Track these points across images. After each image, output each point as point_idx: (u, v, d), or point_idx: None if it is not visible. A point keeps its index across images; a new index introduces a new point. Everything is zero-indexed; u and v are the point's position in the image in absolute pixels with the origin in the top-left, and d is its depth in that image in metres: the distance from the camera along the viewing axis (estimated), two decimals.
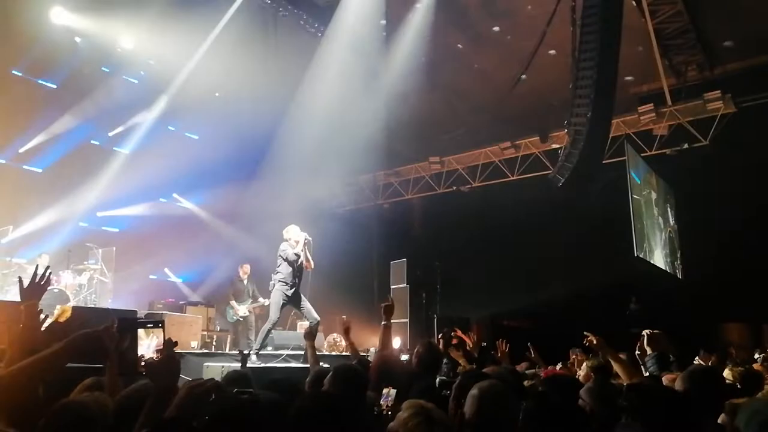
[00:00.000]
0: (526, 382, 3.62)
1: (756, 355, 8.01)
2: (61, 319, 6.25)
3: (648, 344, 4.26)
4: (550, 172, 10.96)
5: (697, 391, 2.51)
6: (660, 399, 2.29)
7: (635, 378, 3.56)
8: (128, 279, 11.00)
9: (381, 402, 2.63)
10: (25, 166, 10.85)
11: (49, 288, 7.98)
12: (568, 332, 9.87)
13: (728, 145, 10.93)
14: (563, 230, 12.46)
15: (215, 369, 6.18)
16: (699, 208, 11.76)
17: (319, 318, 7.27)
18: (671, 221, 13.33)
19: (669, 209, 13.34)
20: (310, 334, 4.56)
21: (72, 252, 9.92)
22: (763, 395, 3.31)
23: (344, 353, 9.03)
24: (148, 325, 2.09)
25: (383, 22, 11.63)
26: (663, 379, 3.33)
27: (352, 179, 15.04)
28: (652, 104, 11.76)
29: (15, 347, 2.18)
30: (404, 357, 7.20)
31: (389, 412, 2.53)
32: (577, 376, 4.15)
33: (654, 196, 12.61)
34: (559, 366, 5.57)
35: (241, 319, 9.63)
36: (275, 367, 6.75)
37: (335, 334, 11.33)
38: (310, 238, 7.17)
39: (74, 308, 7.13)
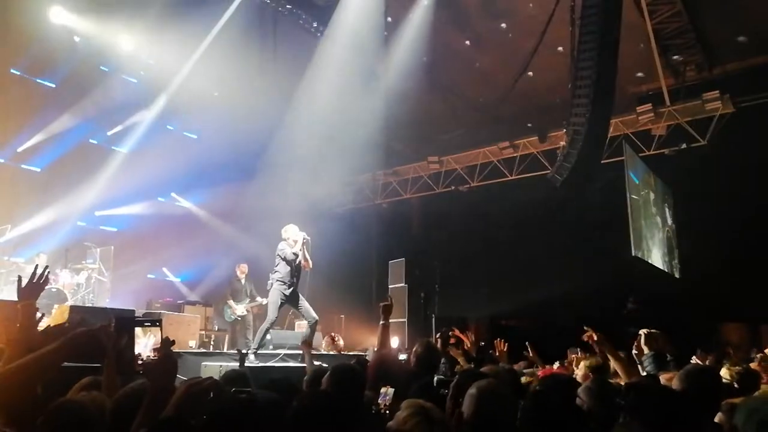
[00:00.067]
0: (523, 379, 3.63)
1: (753, 355, 8.01)
2: (59, 321, 6.23)
3: (645, 343, 4.26)
4: (548, 172, 10.96)
5: (693, 390, 2.52)
6: (658, 398, 2.29)
7: (633, 376, 3.57)
8: (126, 278, 10.99)
9: (379, 401, 2.64)
10: (23, 166, 10.84)
11: (47, 287, 7.97)
12: (565, 332, 9.91)
13: (726, 145, 10.94)
14: (561, 230, 12.48)
15: (213, 368, 6.18)
16: (697, 208, 11.78)
17: (317, 317, 7.27)
18: (669, 221, 13.35)
19: (667, 209, 13.37)
20: (307, 343, 4.58)
21: (70, 251, 9.92)
22: (761, 394, 3.31)
23: (342, 353, 9.03)
24: (146, 324, 2.10)
25: (389, 19, 11.59)
26: (660, 378, 3.33)
27: (351, 179, 15.04)
28: (650, 104, 11.77)
29: (13, 346, 2.18)
30: (402, 356, 7.21)
31: (387, 411, 2.54)
32: (574, 376, 4.15)
33: (652, 196, 12.63)
34: (556, 365, 5.58)
35: (239, 319, 9.63)
36: (273, 367, 6.74)
37: (333, 333, 11.34)
38: (309, 238, 7.17)
39: (72, 307, 7.12)
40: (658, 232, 12.56)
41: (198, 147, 12.77)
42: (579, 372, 4.19)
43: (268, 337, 7.75)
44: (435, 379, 3.43)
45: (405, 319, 12.05)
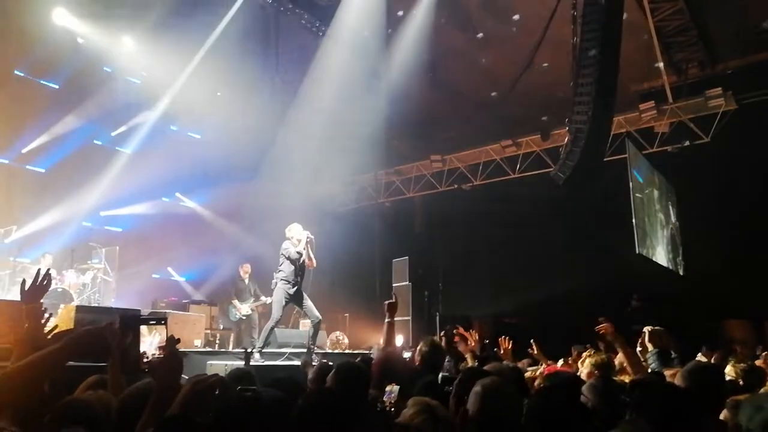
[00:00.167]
0: (527, 374, 3.63)
1: (758, 352, 8.00)
2: (65, 321, 6.26)
3: (649, 341, 4.26)
4: (551, 169, 10.94)
5: (696, 387, 2.52)
6: (664, 395, 2.29)
7: (642, 372, 3.57)
8: (131, 278, 11.02)
9: (384, 399, 2.64)
10: (28, 167, 10.87)
11: (53, 287, 7.98)
12: (569, 329, 9.91)
13: (730, 142, 10.92)
14: (564, 228, 12.47)
15: (218, 367, 6.21)
16: (700, 205, 11.75)
17: (320, 317, 7.28)
18: (673, 219, 13.32)
19: (671, 207, 13.34)
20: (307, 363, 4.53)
21: (75, 251, 9.96)
22: (767, 391, 3.31)
23: (347, 351, 9.05)
24: (151, 322, 2.10)
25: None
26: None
27: (354, 178, 15.06)
28: (653, 102, 11.75)
29: (21, 346, 2.20)
30: (407, 354, 7.22)
31: (392, 409, 2.55)
32: (579, 373, 4.16)
33: (656, 194, 12.60)
34: (560, 363, 5.57)
35: (244, 318, 9.66)
36: (278, 365, 6.77)
37: (338, 332, 11.37)
38: (312, 237, 7.18)
39: (78, 307, 7.14)
40: (662, 230, 12.53)
41: (202, 147, 12.80)
42: (584, 369, 4.19)
43: (273, 334, 7.77)
44: (440, 376, 3.45)
45: (409, 318, 12.06)
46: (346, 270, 12.67)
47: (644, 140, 12.21)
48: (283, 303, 7.06)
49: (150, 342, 2.05)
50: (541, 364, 5.25)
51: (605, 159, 10.60)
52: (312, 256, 7.14)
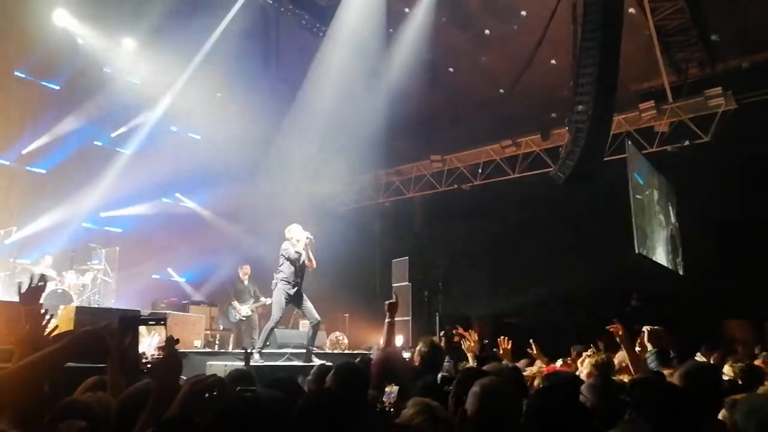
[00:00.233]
0: (526, 372, 3.63)
1: (757, 351, 8.01)
2: (65, 322, 6.27)
3: (649, 340, 4.27)
4: (551, 169, 10.95)
5: (693, 387, 2.52)
6: (664, 395, 2.29)
7: (644, 373, 3.58)
8: (131, 279, 11.03)
9: (383, 399, 2.65)
10: (28, 168, 10.89)
11: (52, 289, 7.99)
12: (569, 329, 9.92)
13: (730, 141, 10.91)
14: (564, 227, 12.47)
15: (218, 368, 6.20)
16: (700, 205, 11.74)
17: (319, 318, 7.28)
18: (672, 219, 13.33)
19: (670, 208, 13.34)
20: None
21: (75, 252, 9.96)
22: (765, 390, 3.31)
23: (347, 351, 9.04)
24: (150, 322, 2.09)
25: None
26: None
27: (354, 178, 15.05)
28: (653, 101, 11.74)
29: (22, 348, 2.20)
30: (406, 355, 7.22)
31: (392, 410, 2.55)
32: (578, 373, 4.16)
33: (656, 195, 12.61)
34: (559, 363, 5.58)
35: (244, 319, 9.66)
36: (278, 366, 6.77)
37: (338, 333, 11.37)
38: (312, 237, 7.18)
39: (78, 308, 7.15)
40: (662, 231, 12.53)
41: (202, 148, 12.81)
42: (584, 369, 4.19)
43: (273, 335, 7.77)
44: (439, 376, 3.45)
45: (409, 318, 12.07)
46: (346, 270, 12.66)
47: (644, 140, 12.21)
48: (283, 304, 7.06)
49: (149, 343, 2.04)
50: (541, 365, 5.25)
51: (605, 158, 10.61)
52: (312, 257, 7.14)
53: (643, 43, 10.69)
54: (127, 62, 11.60)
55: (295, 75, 12.36)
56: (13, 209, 10.10)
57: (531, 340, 5.71)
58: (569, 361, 5.61)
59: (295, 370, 6.48)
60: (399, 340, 10.47)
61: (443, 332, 6.30)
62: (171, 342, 1.91)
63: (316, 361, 6.54)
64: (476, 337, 4.93)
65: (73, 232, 10.64)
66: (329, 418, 1.90)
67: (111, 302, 9.97)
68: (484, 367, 3.30)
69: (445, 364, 4.26)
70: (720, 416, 2.47)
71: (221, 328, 10.53)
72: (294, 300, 7.14)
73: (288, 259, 7.06)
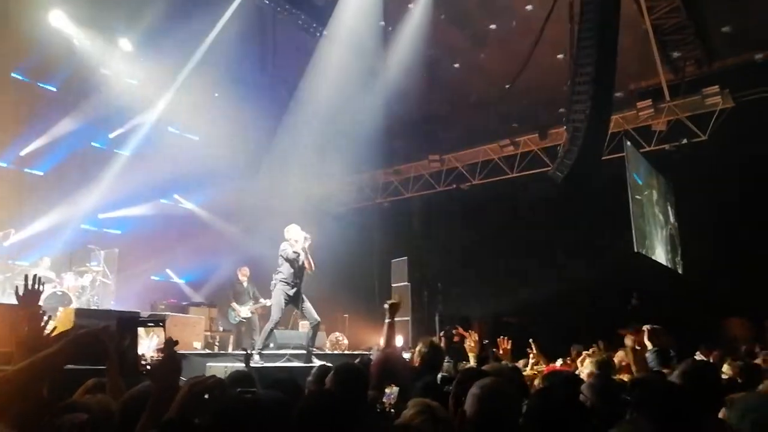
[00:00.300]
0: (526, 372, 3.63)
1: (757, 350, 8.01)
2: (65, 324, 6.25)
3: (649, 339, 4.27)
4: (549, 169, 10.96)
5: (691, 386, 2.52)
6: (666, 394, 2.29)
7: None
8: (130, 280, 11.01)
9: (384, 400, 2.65)
10: (26, 169, 10.86)
11: (51, 291, 7.97)
12: (569, 328, 9.91)
13: (727, 139, 10.92)
14: (563, 227, 12.47)
15: (218, 369, 6.20)
16: (698, 203, 11.76)
17: (319, 319, 7.29)
18: (671, 219, 13.34)
19: (669, 207, 13.35)
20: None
21: (74, 254, 9.94)
22: (765, 389, 3.31)
23: (347, 352, 9.04)
24: (149, 324, 2.09)
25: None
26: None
27: (352, 178, 15.05)
28: (650, 100, 11.76)
29: (21, 350, 2.19)
30: (406, 355, 7.22)
31: (392, 410, 2.55)
32: (577, 372, 4.16)
33: (655, 195, 12.61)
34: (559, 362, 5.59)
35: (244, 320, 9.65)
36: (278, 367, 6.77)
37: (338, 333, 11.37)
38: (309, 236, 7.18)
39: (77, 310, 7.14)
40: (661, 231, 12.54)
41: (199, 148, 12.78)
42: (584, 369, 4.20)
43: (273, 336, 7.77)
44: (439, 377, 3.45)
45: (408, 318, 12.06)
46: (346, 271, 12.66)
47: (642, 138, 12.22)
48: (282, 304, 7.07)
49: (148, 345, 2.04)
50: (541, 364, 5.25)
51: (603, 157, 10.62)
52: (310, 259, 7.13)
53: (640, 41, 10.70)
54: (124, 63, 11.58)
55: (293, 75, 12.36)
56: (11, 211, 10.07)
57: (531, 340, 5.71)
58: (569, 361, 5.62)
59: (295, 371, 6.47)
60: (399, 341, 10.46)
61: (443, 332, 6.31)
62: (170, 344, 1.90)
63: (316, 362, 6.54)
64: (476, 338, 4.92)
65: (71, 233, 10.62)
66: (329, 419, 1.90)
67: (110, 304, 9.94)
68: (484, 367, 3.31)
69: (445, 364, 4.26)
70: (720, 415, 2.47)
71: (221, 329, 10.52)
72: (293, 301, 7.14)
73: (287, 259, 7.07)
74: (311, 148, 12.22)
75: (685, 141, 11.58)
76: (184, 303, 11.06)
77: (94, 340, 1.93)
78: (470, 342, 4.89)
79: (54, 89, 11.20)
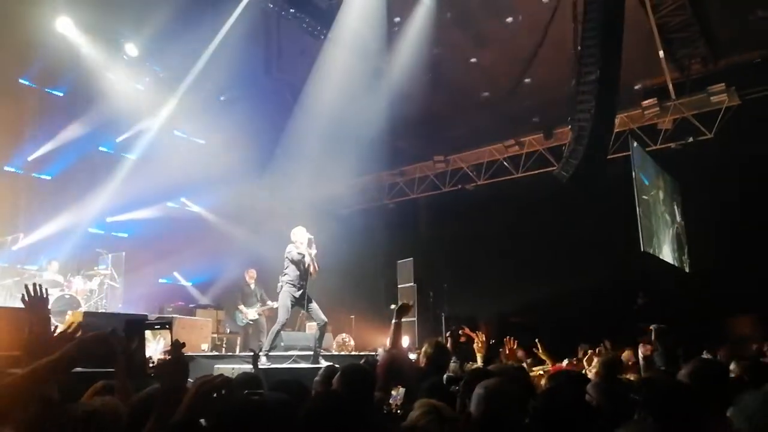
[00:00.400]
0: (533, 372, 3.63)
1: (765, 348, 7.97)
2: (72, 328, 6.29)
3: (655, 338, 4.26)
4: (554, 168, 10.94)
5: (699, 385, 2.51)
6: (673, 394, 2.28)
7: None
8: (138, 283, 11.06)
9: (390, 401, 2.66)
10: (35, 174, 10.95)
11: (59, 294, 8.01)
12: (575, 328, 9.89)
13: (733, 137, 10.87)
14: (569, 226, 12.44)
15: (225, 371, 6.21)
16: (704, 201, 11.70)
17: (326, 319, 7.30)
18: (678, 218, 13.29)
19: (676, 207, 13.30)
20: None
21: (82, 258, 10.01)
22: None
23: (353, 353, 9.04)
24: (156, 327, 2.10)
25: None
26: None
27: (357, 180, 15.07)
28: (656, 98, 11.72)
29: (29, 354, 2.21)
30: (412, 356, 7.23)
31: (398, 411, 2.56)
32: (584, 372, 4.15)
33: (662, 195, 12.56)
34: (565, 362, 5.57)
35: (251, 323, 9.68)
36: (285, 368, 6.79)
37: (344, 334, 11.38)
38: (311, 236, 7.20)
39: (85, 313, 7.19)
40: (667, 230, 12.50)
41: (206, 151, 12.85)
42: (592, 369, 4.19)
43: (280, 337, 7.79)
44: (445, 377, 3.46)
45: (414, 319, 12.07)
46: (352, 272, 12.68)
47: (647, 137, 12.18)
48: (289, 306, 7.09)
49: (155, 347, 2.05)
50: (547, 364, 5.24)
51: (608, 156, 10.59)
52: (314, 261, 7.14)
53: (645, 40, 10.66)
54: (131, 68, 11.65)
55: (297, 78, 12.39)
56: (20, 216, 10.16)
57: (537, 340, 5.71)
58: (575, 361, 5.61)
59: (302, 372, 6.49)
60: (405, 341, 10.46)
61: (449, 333, 6.30)
62: (177, 346, 1.91)
63: (324, 363, 6.56)
64: (483, 338, 4.93)
65: (79, 237, 10.69)
66: (336, 421, 1.90)
67: (118, 307, 10.00)
68: (490, 367, 3.31)
69: (452, 364, 4.27)
70: (728, 414, 2.46)
71: (228, 331, 10.56)
72: (300, 302, 7.16)
73: (292, 261, 7.09)
74: (316, 150, 12.24)
75: (691, 139, 11.53)
76: (192, 305, 11.11)
77: (102, 342, 1.94)
78: (478, 342, 4.90)
79: (61, 94, 11.28)
